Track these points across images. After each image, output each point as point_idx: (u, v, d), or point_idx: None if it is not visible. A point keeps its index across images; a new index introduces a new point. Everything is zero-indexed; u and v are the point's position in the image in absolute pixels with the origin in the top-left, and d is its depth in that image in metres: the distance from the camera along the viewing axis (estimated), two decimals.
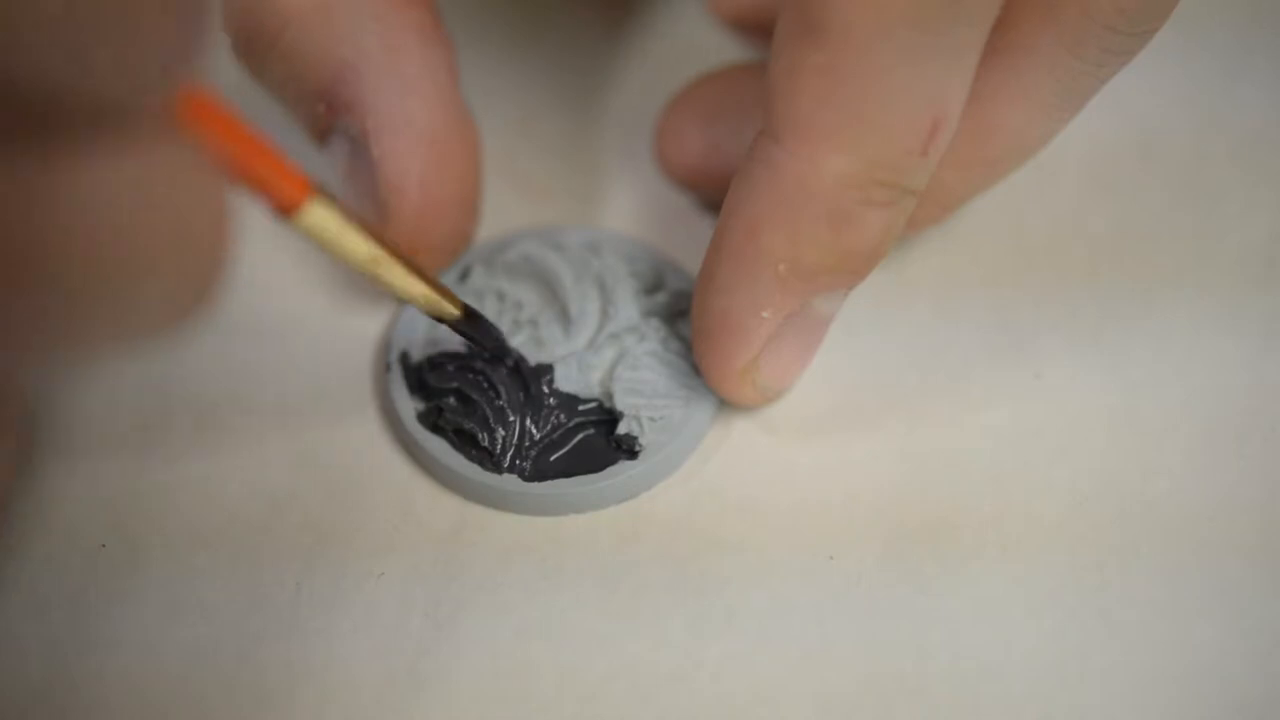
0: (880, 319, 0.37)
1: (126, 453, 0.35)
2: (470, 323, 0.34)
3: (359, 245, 0.28)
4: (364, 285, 0.37)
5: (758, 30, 0.39)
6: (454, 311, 0.33)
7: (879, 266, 0.34)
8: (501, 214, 0.38)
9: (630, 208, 0.40)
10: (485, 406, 0.35)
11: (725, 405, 0.36)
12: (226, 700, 0.32)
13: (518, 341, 0.36)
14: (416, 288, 0.31)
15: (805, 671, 0.32)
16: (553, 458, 0.35)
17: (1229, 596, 0.33)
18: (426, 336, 0.36)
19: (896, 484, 0.35)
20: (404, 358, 0.36)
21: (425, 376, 0.36)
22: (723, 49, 0.41)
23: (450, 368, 0.35)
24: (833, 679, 0.32)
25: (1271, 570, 0.34)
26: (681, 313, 0.36)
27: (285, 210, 0.25)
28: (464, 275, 0.37)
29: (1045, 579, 0.33)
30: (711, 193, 0.39)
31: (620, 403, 0.35)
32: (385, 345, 0.37)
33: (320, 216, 0.26)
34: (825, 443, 0.35)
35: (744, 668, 0.32)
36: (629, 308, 0.36)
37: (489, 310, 0.36)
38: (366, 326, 0.37)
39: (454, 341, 0.36)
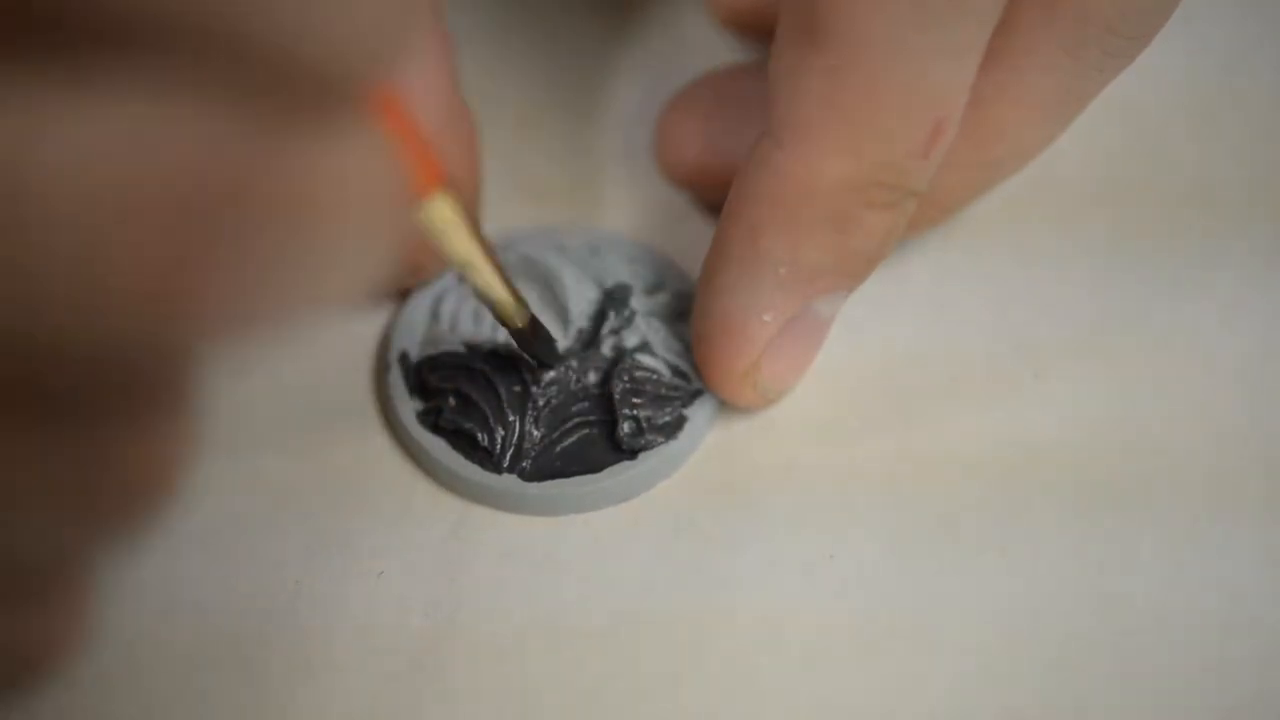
0: (880, 319, 0.37)
1: None
2: (532, 334, 0.34)
3: (463, 244, 0.29)
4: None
5: (757, 31, 0.39)
6: (519, 322, 0.33)
7: (879, 267, 0.34)
8: (502, 214, 0.38)
9: (630, 208, 0.39)
10: (485, 406, 0.35)
11: (725, 405, 0.36)
12: (227, 700, 0.32)
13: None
14: (498, 292, 0.32)
15: (805, 671, 0.32)
16: (552, 458, 0.35)
17: (1230, 599, 0.33)
18: (426, 336, 0.36)
19: (896, 484, 0.35)
20: (403, 358, 0.36)
21: (425, 376, 0.36)
22: (723, 49, 0.41)
23: (450, 367, 0.35)
24: (833, 679, 0.32)
25: (1274, 573, 0.34)
26: (682, 313, 0.36)
27: (416, 193, 0.27)
28: (464, 276, 0.37)
29: (1045, 579, 0.33)
30: (712, 193, 0.39)
31: (620, 403, 0.35)
32: (384, 345, 0.37)
33: (441, 210, 0.27)
34: (825, 443, 0.35)
35: (744, 668, 0.32)
36: (627, 308, 0.36)
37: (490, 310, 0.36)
38: (365, 326, 0.37)
39: (453, 341, 0.36)
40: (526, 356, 0.35)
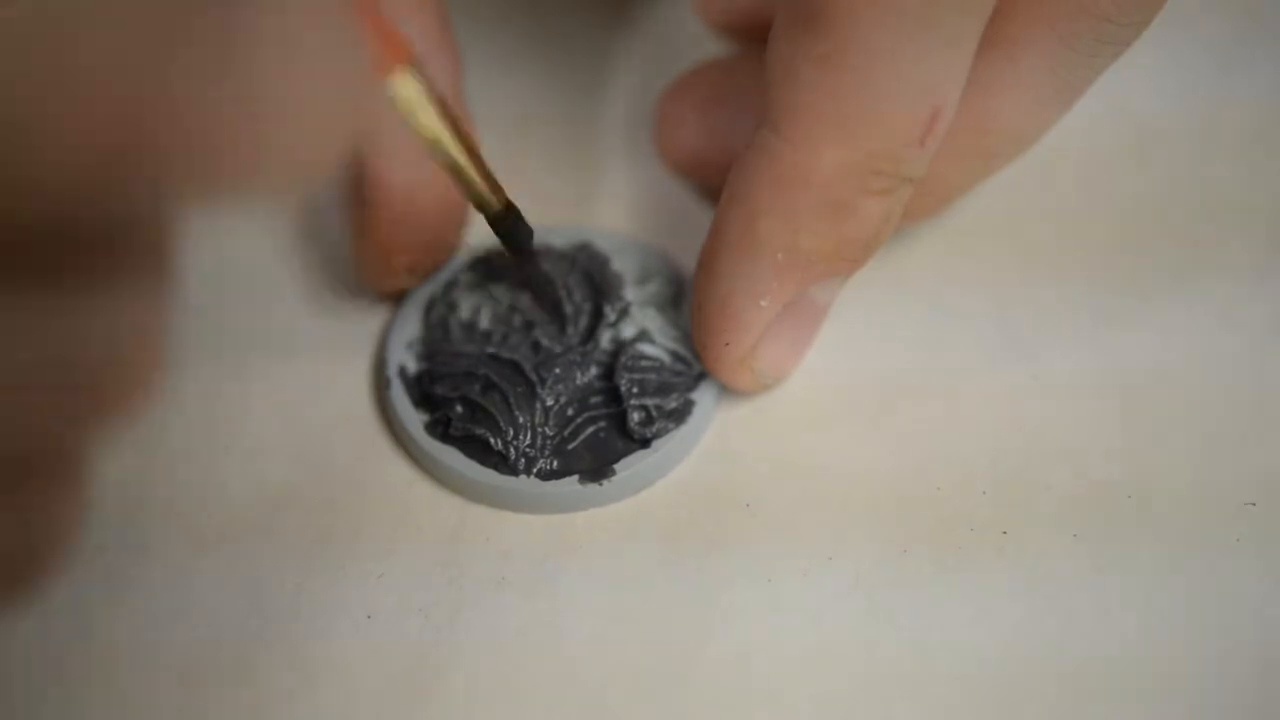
0: (880, 319, 0.37)
1: (128, 455, 0.35)
2: (507, 220, 0.34)
3: (430, 122, 0.30)
4: (359, 287, 0.38)
5: (749, 34, 0.39)
6: (496, 205, 0.33)
7: (879, 264, 0.34)
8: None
9: (629, 199, 0.40)
10: (494, 411, 0.35)
11: (726, 394, 0.36)
12: (227, 700, 0.32)
13: (515, 343, 0.36)
14: (469, 173, 0.32)
15: (805, 671, 0.32)
16: (567, 455, 0.35)
17: (1230, 596, 0.33)
18: (420, 349, 0.36)
19: (895, 484, 0.35)
20: (402, 372, 0.36)
21: (427, 388, 0.35)
22: (720, 47, 0.41)
23: (451, 376, 0.35)
24: (833, 679, 0.32)
25: (1273, 569, 0.33)
26: (674, 300, 0.37)
27: (382, 71, 0.28)
28: (453, 283, 0.37)
29: (1044, 579, 0.33)
30: (711, 180, 0.39)
31: (627, 394, 0.35)
32: (380, 360, 0.37)
33: (407, 86, 0.29)
34: (825, 442, 0.35)
35: (744, 668, 0.32)
36: (621, 300, 0.36)
37: (483, 315, 0.36)
38: (361, 328, 0.38)
39: (448, 349, 0.36)
40: (502, 244, 0.35)
